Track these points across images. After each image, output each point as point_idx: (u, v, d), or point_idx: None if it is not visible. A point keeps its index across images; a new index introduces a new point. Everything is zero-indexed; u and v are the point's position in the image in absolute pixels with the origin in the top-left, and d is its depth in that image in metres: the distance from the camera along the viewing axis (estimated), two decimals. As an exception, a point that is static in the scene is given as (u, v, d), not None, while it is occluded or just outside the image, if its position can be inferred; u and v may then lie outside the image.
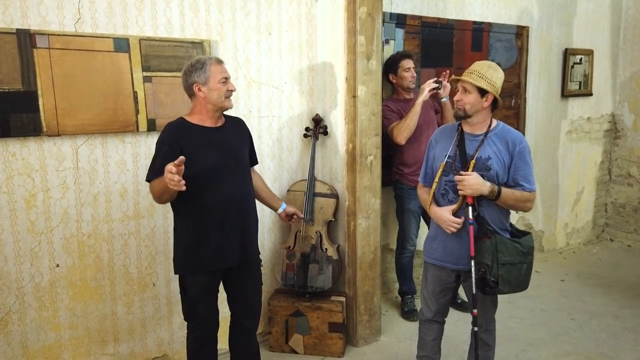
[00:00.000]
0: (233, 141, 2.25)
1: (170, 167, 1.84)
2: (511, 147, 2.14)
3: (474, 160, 2.13)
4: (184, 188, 1.89)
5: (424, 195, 2.34)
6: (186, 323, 2.32)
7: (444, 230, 2.20)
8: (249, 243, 2.30)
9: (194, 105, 2.19)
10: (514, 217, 4.40)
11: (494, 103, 2.17)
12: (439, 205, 2.25)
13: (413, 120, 3.12)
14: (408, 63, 3.26)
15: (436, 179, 2.22)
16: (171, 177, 1.84)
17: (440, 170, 2.21)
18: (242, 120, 2.41)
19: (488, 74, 2.12)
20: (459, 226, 2.16)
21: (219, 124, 2.21)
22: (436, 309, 2.38)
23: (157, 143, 2.15)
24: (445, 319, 2.45)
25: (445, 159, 2.20)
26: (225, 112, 2.26)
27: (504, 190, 2.10)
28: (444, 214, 2.19)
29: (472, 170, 2.11)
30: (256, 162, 2.49)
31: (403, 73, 3.26)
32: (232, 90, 2.18)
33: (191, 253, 2.17)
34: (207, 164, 2.12)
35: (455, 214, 2.17)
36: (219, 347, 2.39)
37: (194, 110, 2.19)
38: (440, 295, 2.35)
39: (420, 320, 2.48)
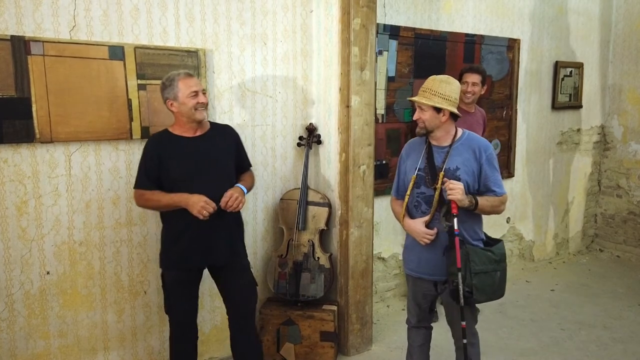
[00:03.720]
0: (211, 149, 2.36)
1: (209, 208, 2.20)
2: (478, 155, 2.18)
3: (442, 172, 2.15)
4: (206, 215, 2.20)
5: (397, 208, 2.36)
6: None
7: (419, 242, 2.23)
8: (223, 245, 2.38)
9: (174, 117, 2.34)
10: (505, 227, 4.45)
11: (455, 113, 2.18)
12: (412, 217, 2.27)
13: None
14: (472, 77, 3.26)
15: (408, 192, 2.24)
16: (205, 208, 2.19)
17: (412, 182, 2.23)
18: (229, 127, 2.52)
19: (441, 89, 2.13)
20: (432, 237, 2.18)
21: (198, 134, 2.36)
22: (419, 315, 2.43)
23: (142, 153, 2.35)
24: (432, 324, 2.49)
25: (416, 171, 2.23)
26: (214, 121, 2.36)
27: (480, 198, 2.14)
28: (417, 226, 2.21)
29: (442, 181, 2.12)
30: (248, 166, 2.56)
31: (463, 86, 3.22)
32: (202, 103, 2.29)
33: (167, 251, 2.38)
34: (180, 172, 2.29)
35: (427, 225, 2.19)
36: (222, 355, 2.41)
37: (175, 121, 2.35)
38: (423, 301, 2.39)
39: (408, 327, 2.51)
